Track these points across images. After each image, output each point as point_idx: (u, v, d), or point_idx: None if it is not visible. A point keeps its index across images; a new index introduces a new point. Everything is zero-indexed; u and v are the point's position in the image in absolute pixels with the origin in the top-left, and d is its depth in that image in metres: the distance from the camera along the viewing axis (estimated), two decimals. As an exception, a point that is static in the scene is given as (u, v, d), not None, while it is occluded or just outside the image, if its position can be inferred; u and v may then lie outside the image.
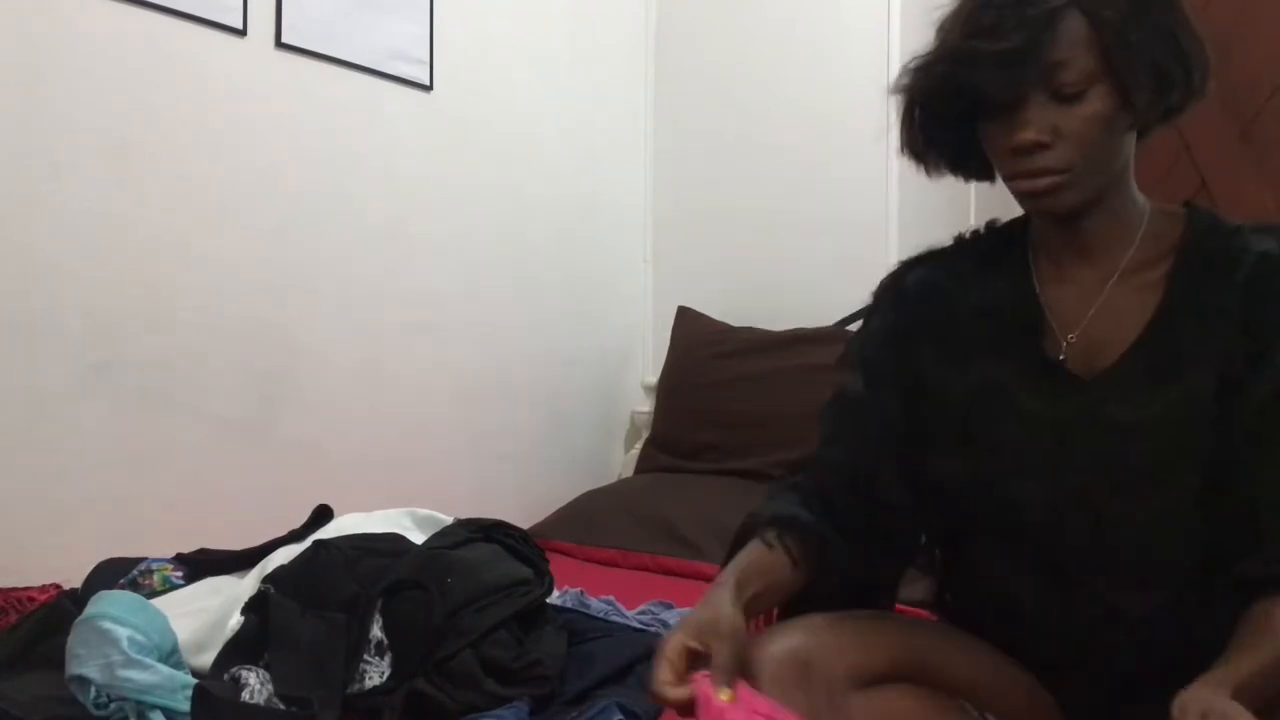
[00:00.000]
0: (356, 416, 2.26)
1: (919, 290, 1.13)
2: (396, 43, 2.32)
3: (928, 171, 1.10)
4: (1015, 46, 0.92)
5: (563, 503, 2.56)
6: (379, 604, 1.36)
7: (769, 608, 1.04)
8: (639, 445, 2.86)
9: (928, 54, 1.01)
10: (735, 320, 2.77)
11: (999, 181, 1.08)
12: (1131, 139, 1.01)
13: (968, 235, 1.15)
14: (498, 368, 2.59)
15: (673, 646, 0.89)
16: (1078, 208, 1.00)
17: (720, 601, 0.93)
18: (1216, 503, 0.96)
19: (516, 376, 2.64)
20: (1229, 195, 2.50)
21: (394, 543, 1.54)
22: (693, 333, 2.80)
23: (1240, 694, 0.80)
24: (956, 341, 1.09)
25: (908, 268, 1.17)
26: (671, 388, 2.76)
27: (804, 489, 1.12)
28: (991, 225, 1.15)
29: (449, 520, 1.67)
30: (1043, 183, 0.97)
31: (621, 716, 1.20)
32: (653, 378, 2.92)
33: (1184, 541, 0.98)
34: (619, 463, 2.96)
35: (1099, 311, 1.03)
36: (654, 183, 3.03)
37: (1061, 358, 1.03)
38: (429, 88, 2.40)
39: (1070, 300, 1.05)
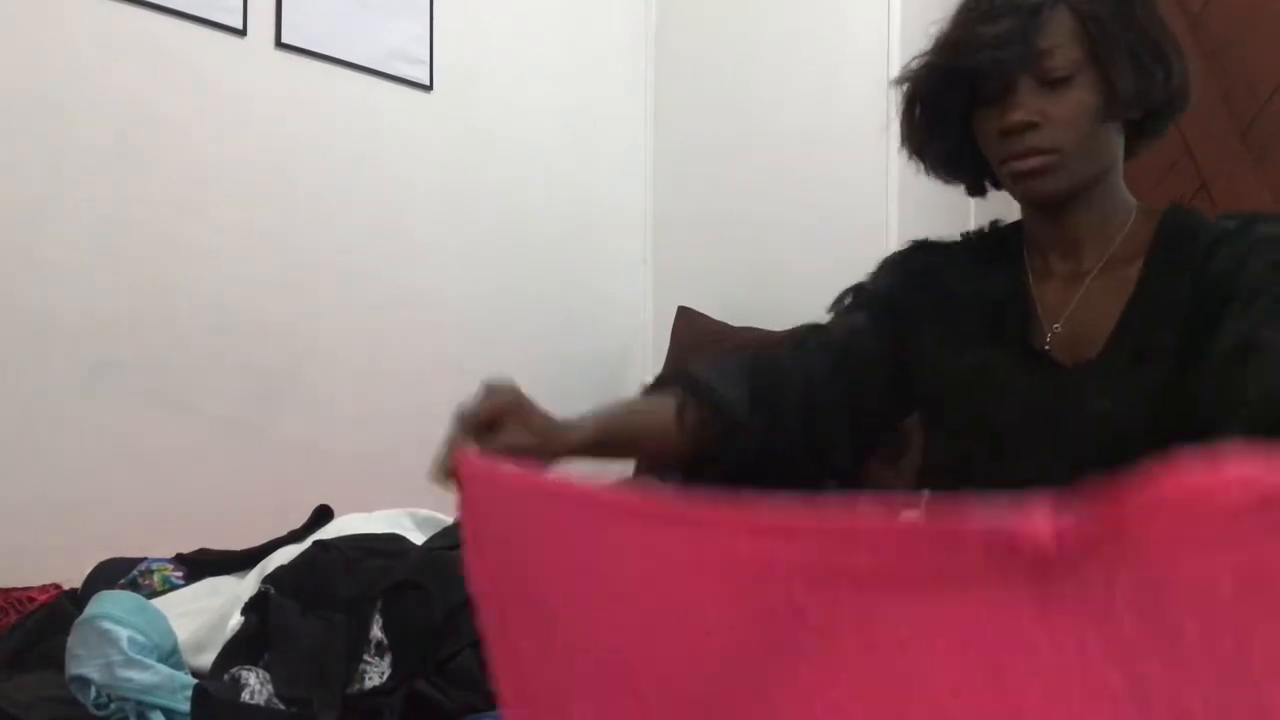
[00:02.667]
0: (356, 416, 2.25)
1: (922, 272, 1.17)
2: (396, 43, 2.32)
3: (925, 169, 1.15)
4: (1006, 30, 0.99)
5: (563, 503, 2.56)
6: (379, 604, 1.36)
7: (620, 441, 1.07)
8: (639, 445, 2.85)
9: (927, 49, 1.06)
10: (735, 320, 2.77)
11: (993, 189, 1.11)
12: (1119, 138, 1.05)
13: (972, 233, 1.20)
14: (498, 367, 2.58)
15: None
16: (1063, 193, 1.04)
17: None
18: None
19: (516, 376, 2.61)
20: (1229, 195, 2.50)
21: (394, 543, 1.54)
22: (693, 333, 2.80)
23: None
24: (952, 327, 1.12)
25: (912, 251, 1.19)
26: (671, 388, 2.76)
27: (755, 371, 1.12)
28: (995, 225, 1.20)
29: (449, 520, 1.66)
30: (1031, 163, 1.01)
31: (621, 716, 1.20)
32: (652, 378, 2.91)
33: None
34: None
35: (1079, 304, 1.06)
36: (654, 183, 3.02)
37: (1046, 347, 1.06)
38: (429, 88, 2.40)
39: (1056, 293, 1.09)
